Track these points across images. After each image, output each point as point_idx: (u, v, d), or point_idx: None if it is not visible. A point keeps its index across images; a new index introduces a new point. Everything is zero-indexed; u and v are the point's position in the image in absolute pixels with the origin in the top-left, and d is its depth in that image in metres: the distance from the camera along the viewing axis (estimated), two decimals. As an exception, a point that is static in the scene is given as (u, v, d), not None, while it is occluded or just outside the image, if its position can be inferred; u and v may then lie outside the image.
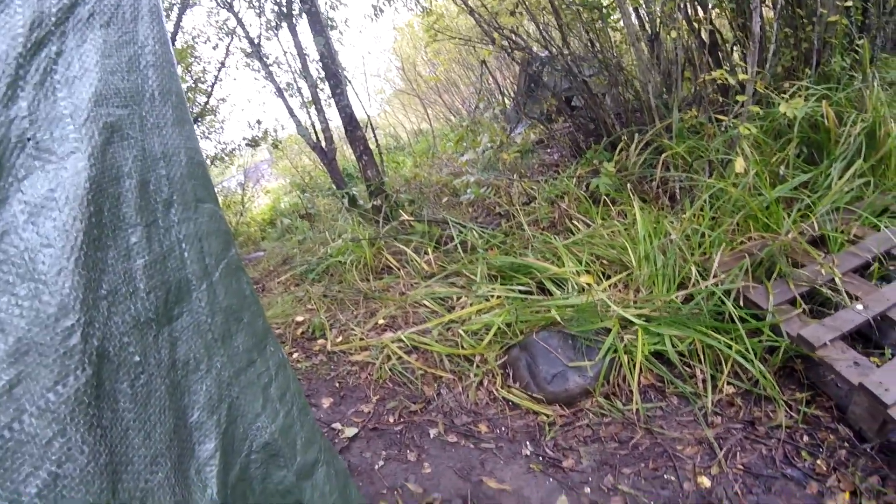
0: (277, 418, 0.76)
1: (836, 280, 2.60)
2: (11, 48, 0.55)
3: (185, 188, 0.74)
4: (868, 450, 2.12)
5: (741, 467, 2.17)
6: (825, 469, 2.10)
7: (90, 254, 0.57)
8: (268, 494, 0.72)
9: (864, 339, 2.55)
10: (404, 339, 3.04)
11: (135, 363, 0.60)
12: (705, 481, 2.13)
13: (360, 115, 6.20)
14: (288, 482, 0.74)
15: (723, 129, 3.57)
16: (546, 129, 5.71)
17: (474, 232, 3.94)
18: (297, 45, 5.84)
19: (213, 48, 7.79)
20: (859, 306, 2.49)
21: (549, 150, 5.73)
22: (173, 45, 6.88)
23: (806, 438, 2.24)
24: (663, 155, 3.66)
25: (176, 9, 6.71)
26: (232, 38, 7.52)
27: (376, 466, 2.40)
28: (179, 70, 7.90)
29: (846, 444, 2.17)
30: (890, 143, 3.13)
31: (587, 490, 2.16)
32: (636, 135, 4.04)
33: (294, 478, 0.74)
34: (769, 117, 3.55)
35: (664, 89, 4.29)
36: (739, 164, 2.96)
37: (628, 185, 3.74)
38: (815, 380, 2.42)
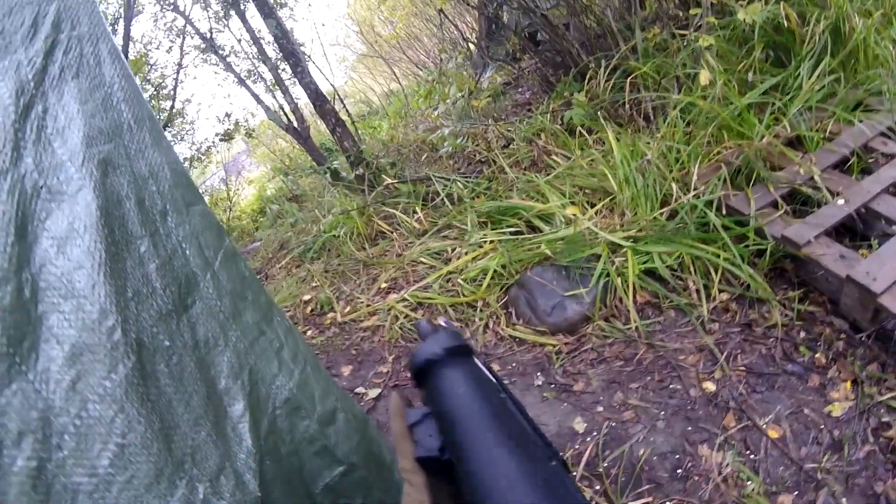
0: (293, 376, 0.87)
1: (816, 178, 2.62)
2: (6, 117, 0.65)
3: (174, 197, 0.85)
4: (864, 339, 2.19)
5: (743, 369, 2.28)
6: (825, 362, 2.20)
7: (113, 267, 0.68)
8: (297, 443, 0.83)
9: (851, 232, 2.60)
10: (408, 297, 3.15)
11: (165, 347, 0.72)
12: (710, 386, 2.25)
13: (325, 87, 6.16)
14: (312, 430, 0.85)
15: (685, 43, 3.57)
16: (513, 70, 5.68)
17: (458, 183, 4.00)
18: (250, 31, 5.78)
19: (167, 51, 7.73)
20: (840, 201, 2.51)
21: (519, 90, 5.72)
22: (126, 57, 6.77)
23: (803, 334, 2.33)
24: (631, 77, 3.68)
25: (122, 22, 6.62)
26: (184, 37, 7.44)
27: (402, 420, 2.53)
28: (137, 80, 7.80)
29: (843, 336, 2.25)
30: (856, 38, 3.10)
31: (600, 408, 2.30)
32: (603, 61, 4.04)
33: (317, 426, 0.86)
34: (731, 26, 3.54)
35: (625, 11, 4.26)
36: (704, 77, 2.99)
37: (601, 112, 3.77)
38: (806, 277, 2.49)
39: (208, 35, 6.48)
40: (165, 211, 0.81)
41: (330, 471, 0.86)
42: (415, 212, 4.00)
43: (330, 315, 3.48)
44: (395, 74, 10.60)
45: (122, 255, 0.70)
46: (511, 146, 4.27)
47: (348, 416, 0.93)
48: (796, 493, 1.84)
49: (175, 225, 0.82)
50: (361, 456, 0.90)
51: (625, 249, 2.70)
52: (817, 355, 2.23)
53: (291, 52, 5.14)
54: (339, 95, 6.18)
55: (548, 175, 3.48)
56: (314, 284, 3.92)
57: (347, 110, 6.46)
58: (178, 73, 7.90)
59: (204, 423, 0.68)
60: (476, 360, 0.72)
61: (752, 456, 1.98)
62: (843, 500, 1.78)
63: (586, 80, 4.14)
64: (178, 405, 0.66)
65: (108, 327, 0.63)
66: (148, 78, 8.08)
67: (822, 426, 2.01)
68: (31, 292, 0.59)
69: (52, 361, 0.58)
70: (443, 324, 0.85)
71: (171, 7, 6.36)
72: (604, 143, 3.54)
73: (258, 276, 5.06)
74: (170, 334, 0.73)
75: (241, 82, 6.26)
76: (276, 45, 5.31)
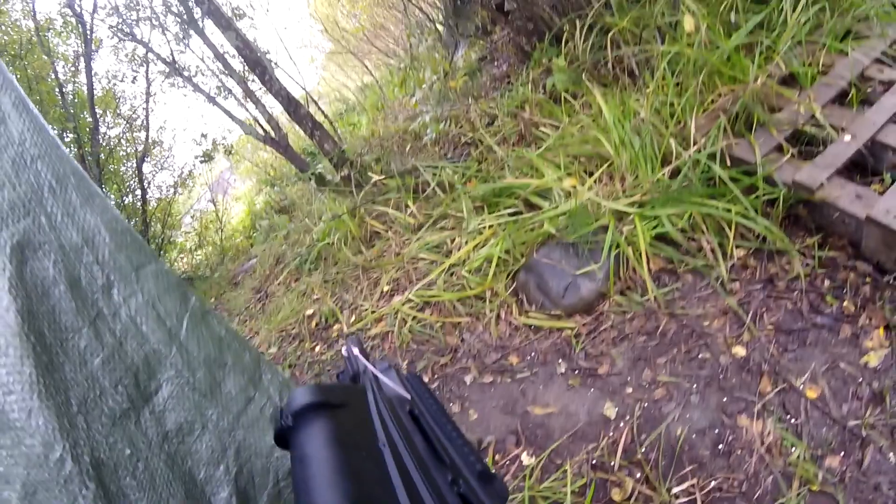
0: None
1: (817, 115, 2.51)
2: None
3: (118, 263, 0.71)
4: (891, 281, 2.09)
5: (771, 327, 2.16)
6: (854, 309, 2.08)
7: (48, 382, 0.56)
8: None
9: (861, 168, 2.48)
10: (413, 297, 3.02)
11: (127, 456, 0.59)
12: (740, 350, 2.13)
13: (298, 92, 5.98)
14: None
15: (662, -11, 3.39)
16: (486, 43, 5.50)
17: (447, 169, 3.85)
18: (211, 48, 5.60)
19: (133, 82, 7.61)
20: (847, 137, 2.41)
21: (495, 64, 5.53)
22: (91, 95, 6.64)
23: (827, 283, 2.21)
24: (610, 34, 3.51)
25: (83, 59, 6.47)
26: (147, 65, 7.29)
27: (425, 429, 2.43)
28: (109, 116, 7.70)
29: (868, 280, 2.14)
30: None
31: (629, 390, 2.18)
32: (577, 21, 3.87)
33: None
34: (705, -35, 3.36)
35: (591, -36, 4.07)
36: (689, 24, 2.83)
37: (584, 74, 3.61)
38: (822, 221, 2.37)
39: (171, 58, 6.30)
40: (109, 283, 0.68)
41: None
42: (407, 206, 3.86)
43: (336, 327, 3.36)
44: (366, 67, 10.38)
45: (58, 360, 0.57)
46: (495, 123, 4.12)
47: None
48: (842, 453, 1.76)
49: (123, 298, 0.68)
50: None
51: (631, 216, 2.57)
52: (845, 303, 2.12)
53: (257, 62, 4.96)
54: (312, 98, 6.01)
55: (538, 148, 3.34)
56: (315, 297, 3.80)
57: (323, 112, 6.29)
58: (147, 101, 7.76)
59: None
60: (357, 400, 0.64)
61: (793, 420, 1.89)
62: (891, 454, 1.71)
63: (563, 43, 3.98)
64: (155, 516, 0.55)
65: (56, 460, 0.53)
66: (119, 111, 7.96)
67: (861, 379, 1.91)
68: (-35, 427, 0.49)
69: (7, 505, 0.47)
70: (345, 352, 0.81)
71: (130, 37, 6.17)
72: (591, 106, 3.39)
73: (259, 294, 4.95)
74: (129, 438, 0.61)
75: (212, 101, 6.08)
76: (240, 57, 5.13)
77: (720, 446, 1.90)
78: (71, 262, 0.65)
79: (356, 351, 0.82)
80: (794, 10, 2.90)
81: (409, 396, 0.71)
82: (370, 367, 0.77)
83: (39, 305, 0.58)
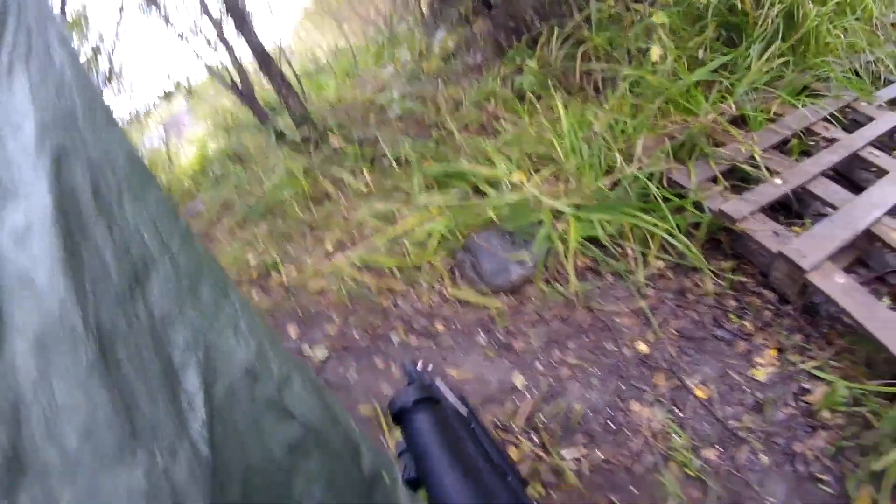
0: (251, 348, 0.91)
1: (756, 156, 2.77)
2: None
3: (131, 183, 0.84)
4: (792, 311, 2.37)
5: (675, 332, 2.43)
6: (752, 329, 2.37)
7: (71, 260, 0.68)
8: (256, 408, 0.88)
9: (787, 210, 2.77)
10: (355, 259, 3.15)
11: (125, 331, 0.74)
12: (643, 347, 2.39)
13: (270, 43, 5.92)
14: (271, 394, 0.90)
15: (639, 17, 3.62)
16: (466, 33, 5.61)
17: (406, 145, 3.97)
18: (190, -17, 5.44)
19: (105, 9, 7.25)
20: (778, 180, 2.67)
21: (471, 53, 5.67)
22: (64, 18, 6.33)
23: (733, 303, 2.50)
24: (583, 46, 3.72)
25: None
26: None
27: (351, 380, 2.58)
28: (76, 43, 7.32)
29: (771, 307, 2.43)
30: (808, 24, 3.21)
31: (538, 366, 2.41)
32: (556, 28, 4.05)
33: (275, 391, 0.90)
34: (686, 2, 3.59)
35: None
36: (655, 53, 3.06)
37: (551, 80, 3.80)
38: (740, 250, 2.65)
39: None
40: (121, 198, 0.81)
41: (289, 429, 0.91)
42: (362, 173, 3.96)
43: (276, 278, 3.45)
44: (343, 32, 10.26)
45: (78, 246, 0.71)
46: (460, 109, 4.26)
47: (304, 380, 0.97)
48: (720, 448, 2.00)
49: (132, 211, 0.82)
50: (318, 414, 0.95)
51: (567, 216, 2.79)
52: (745, 323, 2.39)
53: (236, 9, 4.90)
54: (286, 57, 5.96)
55: (496, 140, 3.51)
56: (260, 247, 3.86)
57: (294, 71, 6.24)
58: (116, 31, 7.41)
59: (161, 399, 0.72)
60: (443, 402, 0.93)
61: (679, 413, 2.14)
62: (763, 456, 1.95)
63: (538, 47, 4.15)
64: (137, 385, 0.69)
65: (69, 323, 0.65)
66: (87, 37, 7.58)
67: (747, 389, 2.17)
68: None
69: (18, 354, 0.60)
70: (419, 368, 1.10)
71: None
72: (552, 110, 3.59)
73: (203, 238, 4.93)
74: (127, 318, 0.74)
75: (182, 38, 5.91)
76: (222, 1, 5.03)
77: (611, 425, 2.14)
78: (94, 173, 0.76)
79: (420, 367, 1.10)
80: (759, 59, 3.15)
81: (465, 412, 0.96)
82: (438, 383, 1.02)
83: (69, 201, 0.71)
